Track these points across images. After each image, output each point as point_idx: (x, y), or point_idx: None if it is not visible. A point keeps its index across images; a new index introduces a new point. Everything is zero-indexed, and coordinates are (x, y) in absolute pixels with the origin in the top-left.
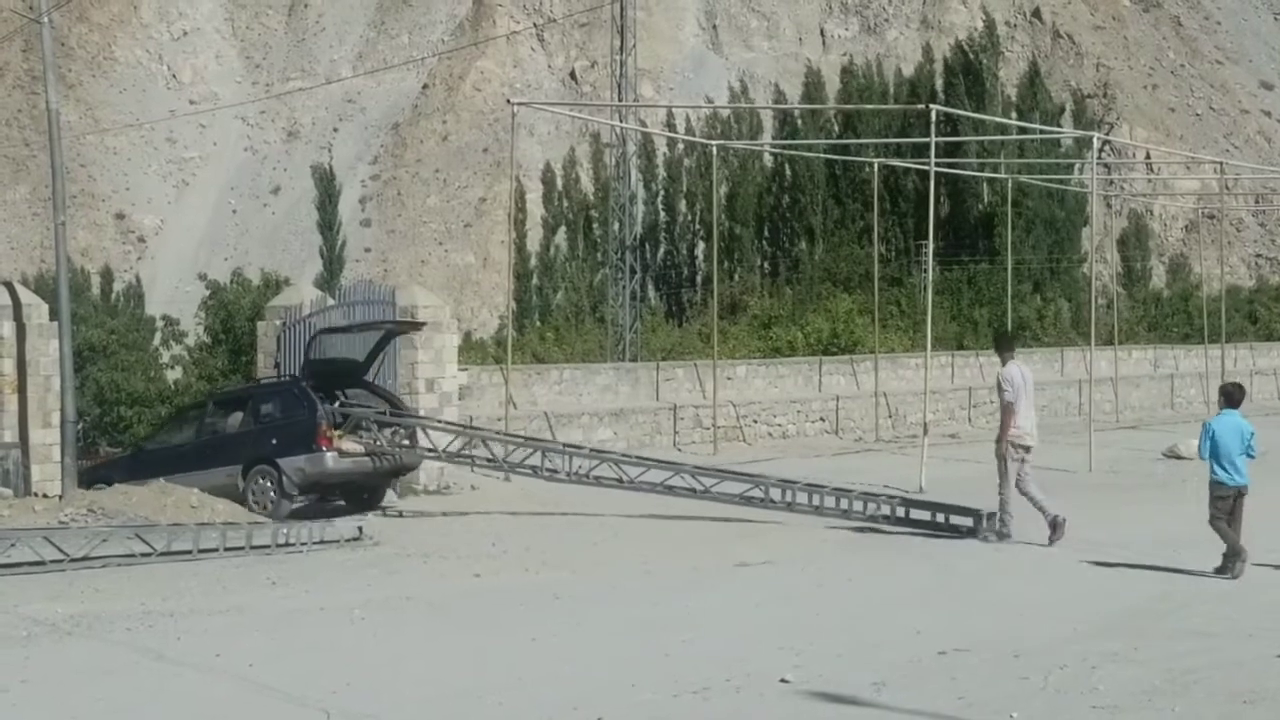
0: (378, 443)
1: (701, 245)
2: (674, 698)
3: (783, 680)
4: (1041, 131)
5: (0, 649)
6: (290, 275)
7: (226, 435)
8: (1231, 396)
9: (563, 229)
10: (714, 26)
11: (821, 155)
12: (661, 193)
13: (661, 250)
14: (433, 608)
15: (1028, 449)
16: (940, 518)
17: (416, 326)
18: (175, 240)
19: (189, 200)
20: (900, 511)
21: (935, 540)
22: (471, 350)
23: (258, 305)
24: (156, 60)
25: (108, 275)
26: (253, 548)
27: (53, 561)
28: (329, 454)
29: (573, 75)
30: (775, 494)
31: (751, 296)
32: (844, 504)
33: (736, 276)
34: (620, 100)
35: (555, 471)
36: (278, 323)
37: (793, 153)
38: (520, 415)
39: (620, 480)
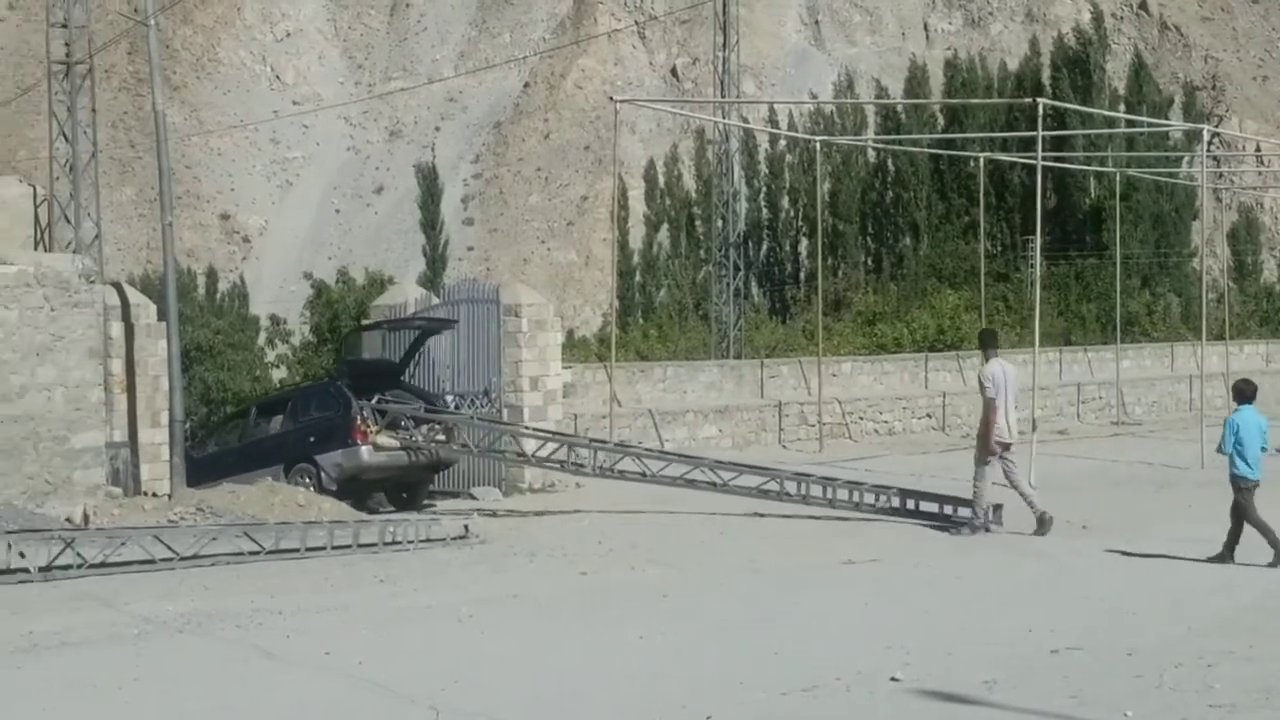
0: (413, 439)
1: (805, 242)
2: (782, 696)
3: (893, 679)
4: (1150, 124)
5: (112, 647)
6: (394, 274)
7: (269, 437)
8: (1244, 393)
9: (665, 226)
10: (816, 22)
11: (926, 150)
12: (764, 189)
13: (764, 247)
14: (540, 605)
15: (1006, 446)
16: (948, 510)
17: (448, 325)
18: (279, 240)
19: (293, 200)
20: (910, 504)
21: (1047, 539)
22: (574, 348)
23: (362, 304)
24: (260, 61)
25: (213, 275)
26: (360, 546)
27: (163, 560)
28: (364, 448)
29: (674, 72)
30: (791, 487)
31: (856, 293)
32: (855, 496)
33: (840, 273)
34: (722, 97)
35: (581, 466)
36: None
37: (896, 148)
38: (624, 413)
39: (644, 475)
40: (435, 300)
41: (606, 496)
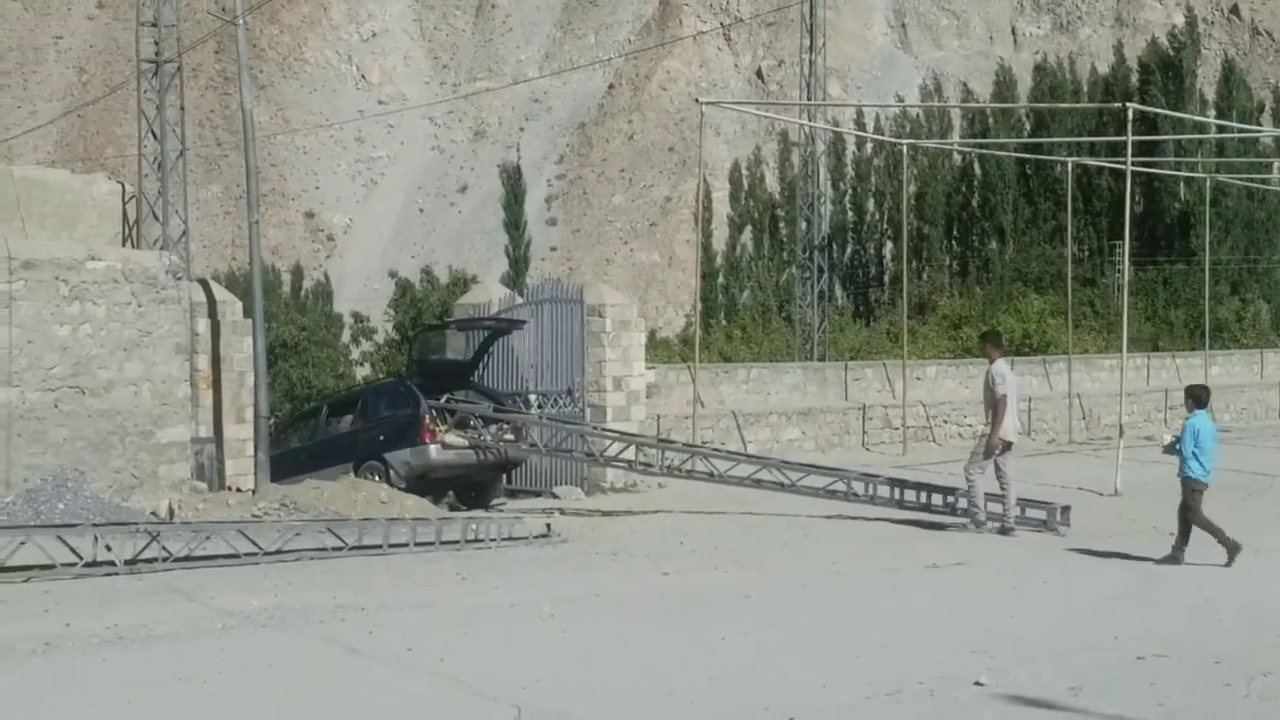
0: (481, 438)
1: (889, 245)
2: (866, 700)
3: (977, 684)
4: (1240, 130)
5: (197, 640)
6: (477, 273)
7: (339, 435)
8: (1200, 399)
9: (749, 228)
10: (903, 25)
11: (1013, 154)
12: (849, 192)
13: (849, 250)
14: (622, 605)
15: (1008, 445)
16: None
17: (517, 325)
18: (363, 238)
19: (377, 199)
20: (962, 504)
21: (1133, 544)
22: (657, 349)
23: (445, 303)
24: (345, 61)
25: (298, 273)
26: (442, 543)
27: (246, 554)
28: (432, 446)
29: (759, 74)
30: (858, 487)
31: (940, 296)
32: (923, 498)
33: (925, 276)
34: (808, 99)
35: (649, 465)
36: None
37: (983, 151)
38: (707, 414)
39: (711, 475)
40: (519, 300)
41: (688, 497)
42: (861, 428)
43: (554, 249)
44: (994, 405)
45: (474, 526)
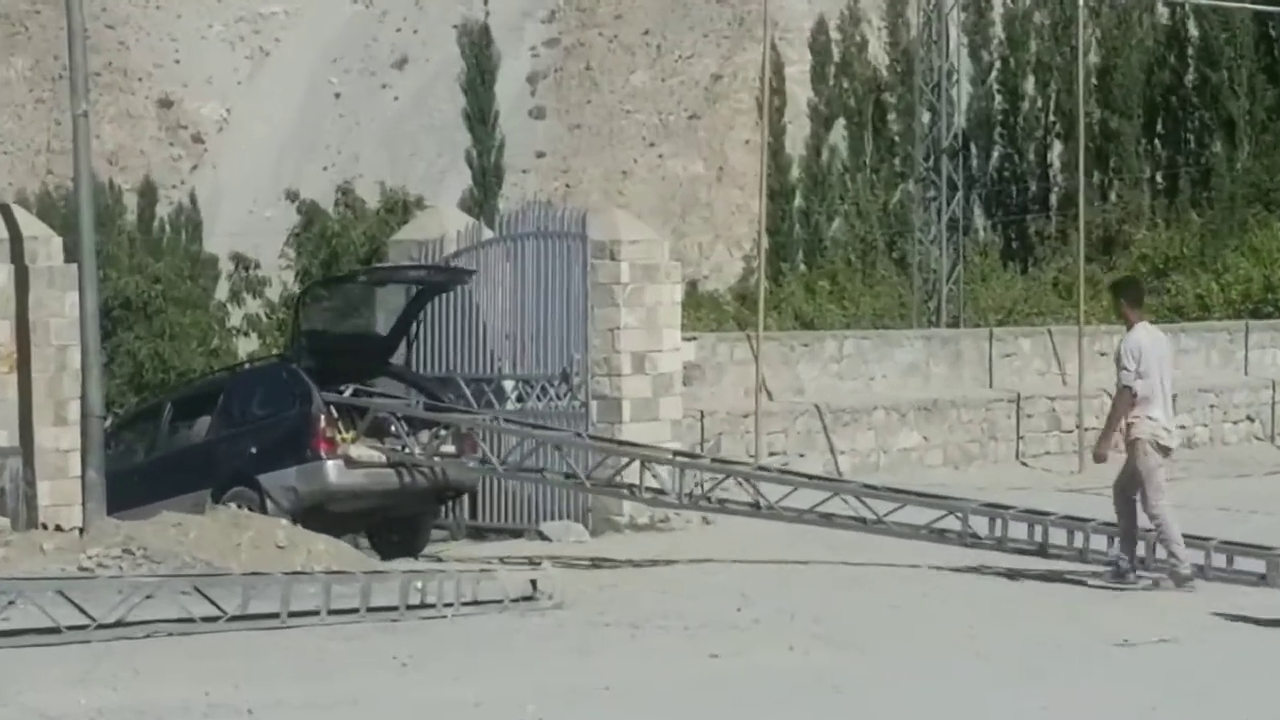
0: (407, 450)
1: (1058, 147)
2: None
3: None
4: None
5: None
6: (424, 193)
7: (190, 447)
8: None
9: (841, 122)
10: None
11: (1248, 5)
12: (997, 65)
13: (996, 155)
14: (645, 704)
15: (1167, 451)
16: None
17: (461, 278)
18: (248, 140)
19: (268, 79)
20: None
21: None
22: (701, 309)
23: (376, 239)
24: None
25: (149, 193)
26: (372, 610)
27: (72, 628)
28: (330, 463)
29: None
30: (980, 525)
31: (1137, 227)
32: (1078, 541)
33: (1114, 196)
34: None
35: (661, 493)
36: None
37: (1202, 1)
38: (776, 410)
39: (756, 506)
40: (487, 233)
41: (746, 537)
42: (1015, 430)
43: (542, 155)
44: (1117, 396)
45: (420, 585)
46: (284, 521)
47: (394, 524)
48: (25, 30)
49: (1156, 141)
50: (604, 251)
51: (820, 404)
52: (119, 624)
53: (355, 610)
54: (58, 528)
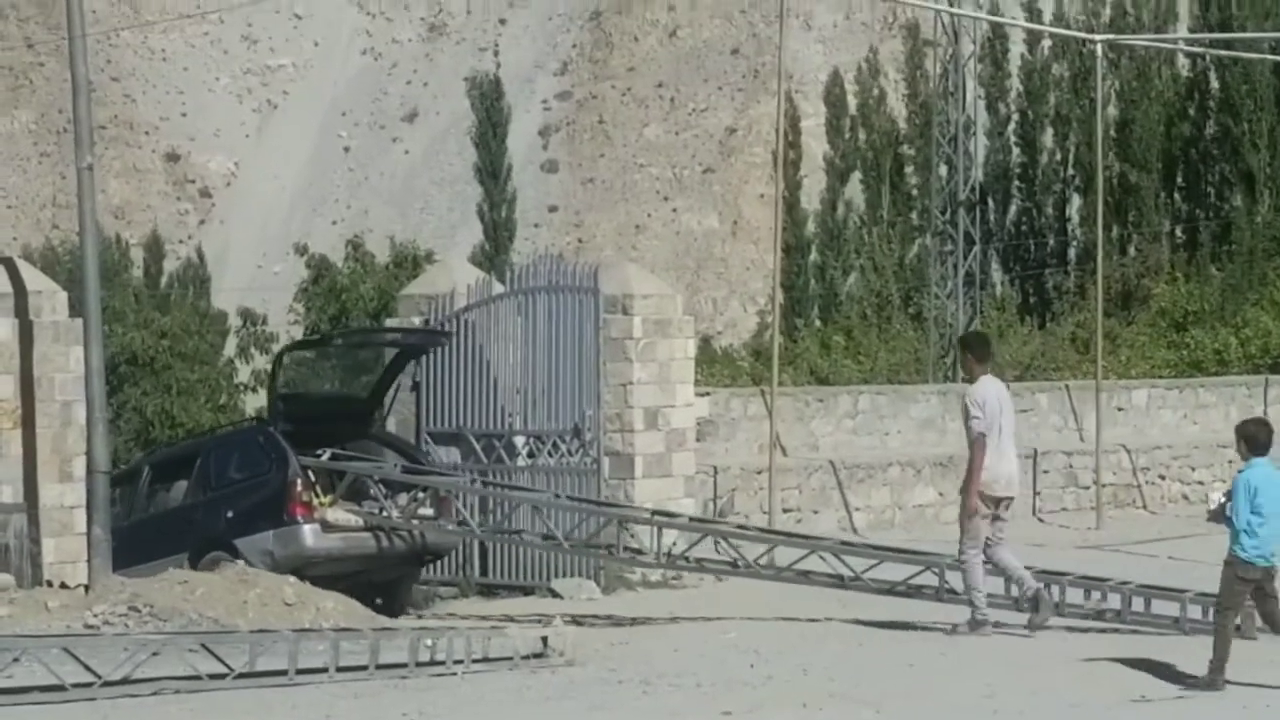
0: (384, 513)
1: (1077, 200)
2: None
3: None
4: None
5: None
6: (435, 248)
7: (167, 511)
8: (1258, 440)
9: (857, 175)
10: None
11: (1269, 58)
12: (1015, 118)
13: (1014, 209)
14: None
15: (998, 502)
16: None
17: (437, 340)
18: (257, 194)
19: (276, 133)
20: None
21: None
22: (715, 364)
23: (386, 293)
24: None
25: (156, 247)
26: (381, 667)
27: (77, 685)
28: (307, 527)
29: None
30: (956, 581)
31: (1156, 281)
32: (1060, 595)
33: (1132, 250)
34: None
35: (639, 553)
36: (418, 321)
37: (1222, 52)
38: (791, 465)
39: (734, 564)
40: (499, 288)
41: (760, 595)
42: (1032, 486)
43: (554, 209)
44: (972, 446)
45: (430, 642)
46: (292, 579)
47: (374, 587)
48: (30, 83)
49: (1176, 195)
50: (616, 306)
51: (835, 460)
52: (125, 681)
53: (364, 668)
54: (63, 585)
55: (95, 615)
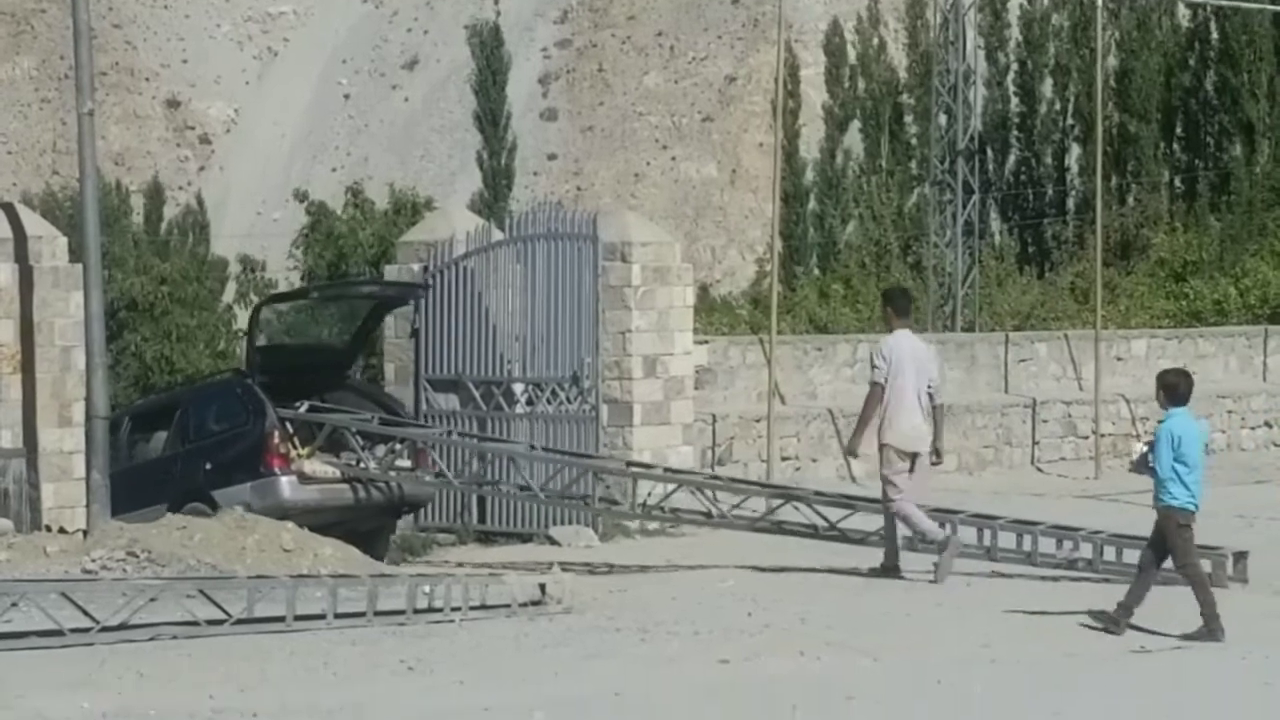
0: (362, 465)
1: (1076, 150)
2: None
3: None
4: None
5: None
6: (434, 195)
7: (147, 463)
8: (1178, 389)
9: (856, 125)
10: None
11: (1268, 8)
12: (1014, 68)
13: (1013, 158)
14: (656, 710)
15: (912, 456)
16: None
17: (414, 293)
18: (256, 141)
19: (276, 79)
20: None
21: None
22: (714, 312)
23: (385, 240)
24: None
25: (156, 194)
26: (378, 614)
27: (75, 630)
28: (285, 479)
29: None
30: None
31: (1156, 231)
32: (1027, 544)
33: (1132, 199)
34: None
35: (615, 503)
36: (416, 267)
37: (1223, 2)
38: (789, 413)
39: (709, 515)
40: (498, 235)
41: (759, 544)
42: (1030, 436)
43: (553, 157)
44: (868, 394)
45: (428, 589)
46: (290, 524)
47: (351, 538)
48: (31, 29)
49: (1175, 145)
50: (615, 253)
51: (833, 408)
52: (123, 627)
53: (362, 614)
54: (61, 530)
55: (93, 560)
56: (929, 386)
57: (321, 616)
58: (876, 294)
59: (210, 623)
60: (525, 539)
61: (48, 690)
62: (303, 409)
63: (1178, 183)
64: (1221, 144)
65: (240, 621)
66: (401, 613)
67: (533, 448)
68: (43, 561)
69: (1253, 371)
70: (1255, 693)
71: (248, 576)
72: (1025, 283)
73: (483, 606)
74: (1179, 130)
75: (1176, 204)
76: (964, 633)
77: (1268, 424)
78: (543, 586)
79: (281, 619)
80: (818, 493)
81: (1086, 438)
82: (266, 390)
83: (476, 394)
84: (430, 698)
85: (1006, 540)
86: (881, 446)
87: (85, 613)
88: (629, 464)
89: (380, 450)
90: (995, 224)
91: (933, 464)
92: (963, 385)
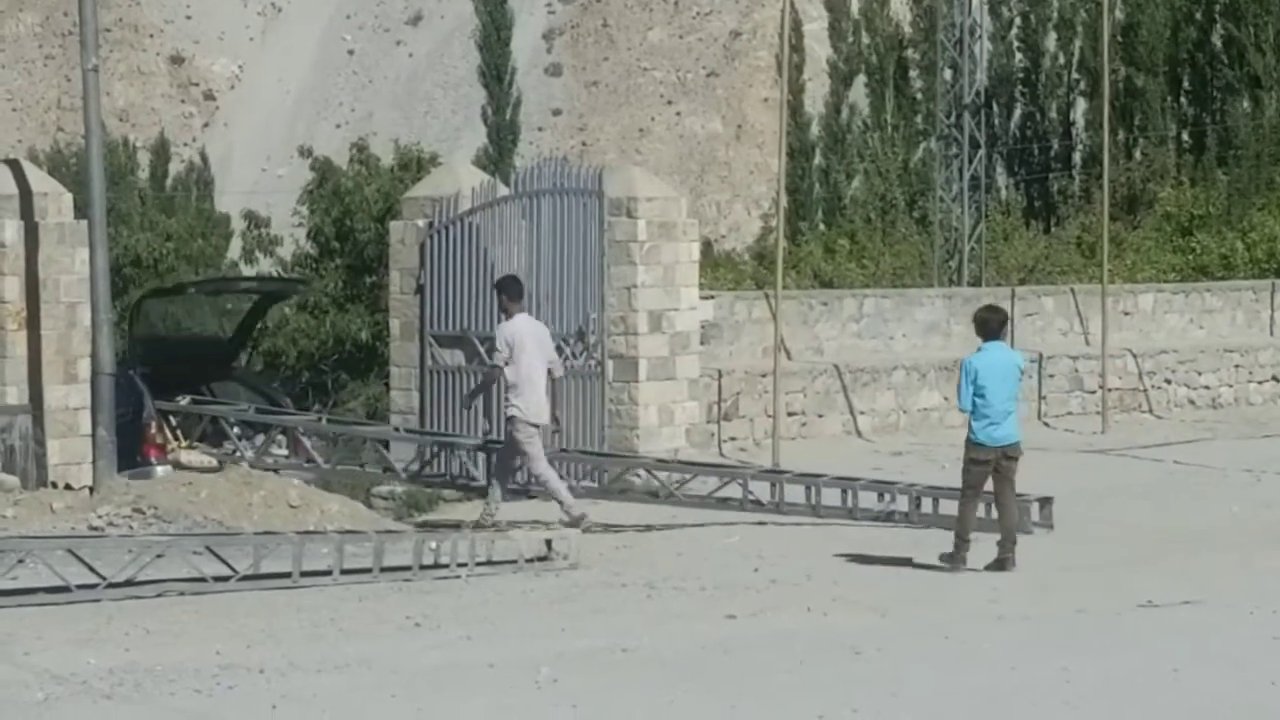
0: (239, 454)
1: (1082, 104)
2: None
3: None
4: None
5: (6, 717)
6: (438, 150)
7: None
8: (988, 324)
9: (861, 79)
10: None
11: None
12: (1018, 22)
13: (1018, 113)
14: (662, 665)
15: (537, 426)
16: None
17: (295, 288)
18: (260, 97)
19: (280, 36)
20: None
21: None
22: (719, 268)
23: (390, 196)
24: None
25: (161, 150)
26: (385, 570)
27: (82, 587)
28: (160, 469)
29: None
30: (868, 500)
31: (1162, 185)
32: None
33: (1138, 153)
34: None
35: (528, 488)
36: (422, 223)
37: None
38: (795, 369)
39: (656, 495)
40: (503, 190)
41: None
42: (1038, 391)
43: (558, 113)
44: (486, 372)
45: (434, 545)
46: (297, 481)
47: None
48: None
49: (1182, 99)
50: (620, 209)
51: (839, 364)
52: (129, 583)
53: (368, 570)
54: (67, 486)
55: (100, 517)
56: (549, 365)
57: (328, 573)
58: (883, 249)
59: (217, 579)
60: (531, 495)
61: (55, 646)
62: (185, 402)
63: (1184, 137)
64: (1228, 98)
65: (247, 578)
66: (408, 568)
67: (396, 430)
68: (49, 518)
69: (1260, 326)
70: (1255, 649)
71: (254, 533)
72: (1031, 237)
73: (489, 562)
74: (1185, 84)
75: (1183, 158)
76: (972, 588)
77: (1275, 378)
78: (549, 542)
79: (288, 575)
80: (765, 470)
81: (1093, 392)
82: (149, 382)
83: (481, 349)
84: (437, 653)
85: (867, 500)
86: (509, 420)
87: (92, 569)
88: (486, 442)
89: (259, 439)
90: (1001, 179)
91: (553, 431)
92: (969, 340)
